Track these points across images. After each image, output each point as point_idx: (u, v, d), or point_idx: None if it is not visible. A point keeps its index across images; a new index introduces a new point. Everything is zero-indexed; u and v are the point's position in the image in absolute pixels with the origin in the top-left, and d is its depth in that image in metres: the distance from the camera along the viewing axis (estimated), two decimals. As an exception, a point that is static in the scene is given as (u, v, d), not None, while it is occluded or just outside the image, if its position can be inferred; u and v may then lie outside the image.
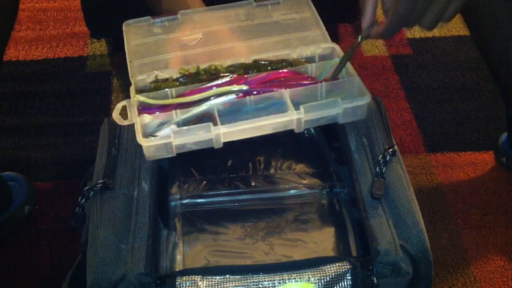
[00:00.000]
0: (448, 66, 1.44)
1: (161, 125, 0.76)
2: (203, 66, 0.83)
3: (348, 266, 0.66)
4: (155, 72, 0.82)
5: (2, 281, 1.03)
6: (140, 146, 0.80)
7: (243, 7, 0.92)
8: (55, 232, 1.09)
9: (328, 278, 0.66)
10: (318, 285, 0.66)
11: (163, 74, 0.82)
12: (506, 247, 1.07)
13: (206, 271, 0.67)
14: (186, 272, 0.67)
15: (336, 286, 0.66)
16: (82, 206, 0.77)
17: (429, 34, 1.53)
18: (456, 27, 1.54)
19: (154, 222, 0.72)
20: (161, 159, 0.80)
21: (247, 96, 0.77)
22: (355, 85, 0.79)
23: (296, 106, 0.75)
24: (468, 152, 1.24)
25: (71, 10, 1.60)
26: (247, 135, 0.74)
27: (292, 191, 0.81)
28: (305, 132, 0.90)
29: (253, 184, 0.81)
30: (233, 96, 0.77)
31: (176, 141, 0.72)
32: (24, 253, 1.06)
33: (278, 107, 0.77)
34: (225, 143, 0.75)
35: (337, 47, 0.85)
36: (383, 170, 0.77)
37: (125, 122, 0.76)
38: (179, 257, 0.73)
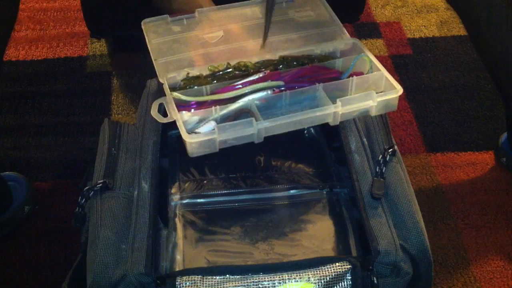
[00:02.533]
0: (448, 66, 1.44)
1: (200, 121, 0.76)
2: (232, 63, 0.83)
3: (348, 266, 0.66)
4: (186, 69, 0.83)
5: (2, 281, 1.03)
6: (140, 146, 0.80)
7: (258, 5, 0.93)
8: (55, 232, 1.09)
9: (328, 278, 0.66)
10: (318, 285, 0.66)
11: (194, 72, 0.82)
12: (506, 247, 1.07)
13: (206, 271, 0.67)
14: (186, 272, 0.67)
15: (336, 286, 0.66)
16: (82, 206, 0.77)
17: (429, 34, 1.53)
18: (456, 27, 1.54)
19: (154, 222, 0.72)
20: (161, 158, 0.80)
21: (283, 91, 0.78)
22: (383, 79, 0.80)
23: (329, 99, 0.76)
24: (468, 152, 1.24)
25: (71, 10, 1.60)
26: (287, 129, 0.75)
27: (292, 191, 0.81)
28: (305, 132, 0.90)
29: (253, 184, 0.81)
30: (269, 91, 0.78)
31: (220, 137, 0.73)
32: (24, 253, 1.06)
33: (311, 101, 0.79)
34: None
35: (358, 42, 0.86)
36: (383, 170, 0.77)
37: (165, 120, 0.76)
38: (179, 257, 0.73)
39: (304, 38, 0.89)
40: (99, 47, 1.50)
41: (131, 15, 0.94)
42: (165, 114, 0.76)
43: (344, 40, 0.87)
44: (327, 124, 0.78)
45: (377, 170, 0.77)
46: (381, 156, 0.78)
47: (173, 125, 0.75)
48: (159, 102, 0.78)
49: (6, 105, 1.34)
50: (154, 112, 0.77)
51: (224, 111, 0.77)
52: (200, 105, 0.78)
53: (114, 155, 0.81)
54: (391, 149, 0.79)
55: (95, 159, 0.81)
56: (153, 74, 0.83)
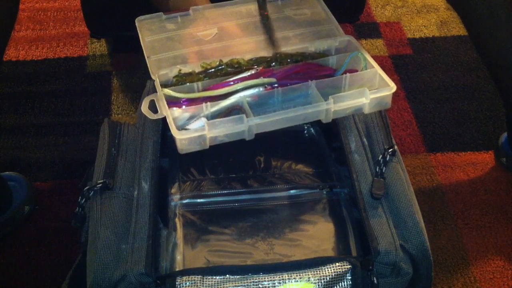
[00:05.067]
0: (448, 66, 1.44)
1: (190, 118, 0.76)
2: (225, 60, 0.83)
3: (348, 266, 0.66)
4: (178, 66, 0.83)
5: (2, 281, 1.03)
6: (140, 146, 0.80)
7: (253, 3, 0.93)
8: (55, 232, 1.09)
9: (328, 278, 0.66)
10: (318, 285, 0.66)
11: (186, 68, 0.82)
12: (506, 247, 1.07)
13: (206, 271, 0.67)
14: (186, 272, 0.67)
15: (336, 286, 0.66)
16: (82, 206, 0.77)
17: (429, 34, 1.53)
18: (456, 27, 1.54)
19: (154, 222, 0.72)
20: (161, 158, 0.80)
21: (275, 88, 0.78)
22: (377, 76, 0.80)
23: (322, 97, 0.76)
24: (468, 152, 1.24)
25: (71, 10, 1.60)
26: (279, 126, 0.75)
27: (292, 191, 0.81)
28: (305, 132, 0.90)
29: (253, 184, 0.81)
30: (261, 88, 0.78)
31: (210, 133, 0.73)
32: (24, 253, 1.06)
33: (304, 98, 0.78)
34: (225, 143, 0.75)
35: (353, 39, 0.85)
36: (383, 170, 0.77)
37: (155, 116, 0.76)
38: (179, 257, 0.73)
39: (299, 36, 0.89)
40: (99, 47, 1.50)
41: (131, 15, 0.94)
42: (157, 111, 0.76)
43: (339, 37, 0.87)
44: (327, 124, 0.78)
45: (377, 170, 0.77)
46: (381, 156, 0.78)
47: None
48: (150, 99, 0.78)
49: (6, 105, 1.34)
50: (144, 108, 0.77)
51: (215, 108, 0.76)
52: (191, 102, 0.78)
53: (114, 155, 0.81)
54: (391, 149, 0.79)
55: (95, 159, 0.81)
56: (153, 74, 0.83)
